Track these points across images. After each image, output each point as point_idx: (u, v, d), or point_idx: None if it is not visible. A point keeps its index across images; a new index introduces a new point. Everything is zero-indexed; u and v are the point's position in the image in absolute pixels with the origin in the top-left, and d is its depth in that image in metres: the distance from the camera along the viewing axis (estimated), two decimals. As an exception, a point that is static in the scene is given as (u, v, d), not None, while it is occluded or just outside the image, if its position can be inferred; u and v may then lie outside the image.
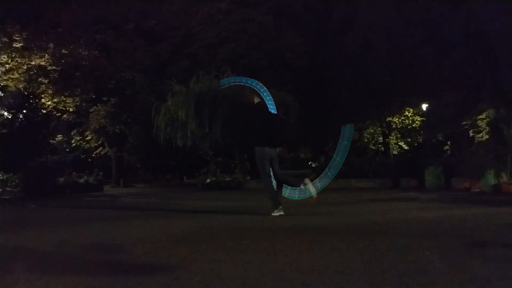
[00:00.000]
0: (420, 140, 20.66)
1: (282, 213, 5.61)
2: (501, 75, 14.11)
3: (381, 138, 22.03)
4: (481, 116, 14.85)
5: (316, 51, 20.48)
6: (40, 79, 18.41)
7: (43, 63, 17.48)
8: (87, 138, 23.82)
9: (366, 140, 22.22)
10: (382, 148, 21.98)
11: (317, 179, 6.39)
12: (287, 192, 6.37)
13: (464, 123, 15.46)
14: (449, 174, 13.76)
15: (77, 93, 19.82)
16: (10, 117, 20.76)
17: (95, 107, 21.55)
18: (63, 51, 17.74)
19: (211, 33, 20.06)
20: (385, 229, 4.26)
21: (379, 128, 21.78)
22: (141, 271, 2.56)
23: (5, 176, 14.59)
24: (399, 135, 21.29)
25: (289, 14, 21.37)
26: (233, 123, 14.37)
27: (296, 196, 6.23)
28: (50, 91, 19.14)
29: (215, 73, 15.23)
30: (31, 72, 17.87)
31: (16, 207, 9.27)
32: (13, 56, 16.79)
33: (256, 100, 6.02)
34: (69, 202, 10.57)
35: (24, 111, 21.52)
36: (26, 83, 18.26)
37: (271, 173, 5.88)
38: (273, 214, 5.59)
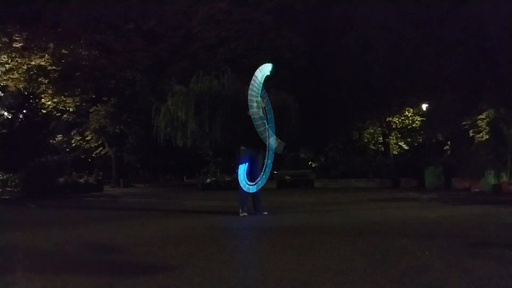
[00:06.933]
0: (420, 140, 20.64)
1: (246, 214, 5.65)
2: (501, 75, 14.10)
3: (381, 138, 22.01)
4: (481, 116, 14.84)
5: (316, 51, 20.47)
6: (40, 79, 18.38)
7: (43, 63, 17.45)
8: (87, 138, 23.81)
9: (366, 140, 22.20)
10: (382, 148, 21.95)
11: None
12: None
13: (464, 123, 15.45)
14: (449, 174, 13.76)
15: (77, 93, 19.81)
16: (10, 117, 20.80)
17: (95, 107, 21.55)
18: (63, 51, 17.71)
19: (211, 33, 20.04)
20: (385, 229, 4.26)
21: (379, 128, 21.77)
22: (141, 271, 2.56)
23: (5, 176, 14.60)
24: (399, 135, 21.28)
25: (289, 14, 21.35)
26: (233, 123, 14.35)
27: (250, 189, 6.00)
28: (50, 91, 19.13)
29: (215, 73, 15.22)
30: (31, 72, 17.84)
31: (16, 207, 9.27)
32: (13, 56, 16.76)
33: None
34: (69, 202, 10.57)
35: (24, 111, 21.58)
36: (26, 83, 18.24)
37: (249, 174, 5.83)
38: (240, 215, 5.65)
